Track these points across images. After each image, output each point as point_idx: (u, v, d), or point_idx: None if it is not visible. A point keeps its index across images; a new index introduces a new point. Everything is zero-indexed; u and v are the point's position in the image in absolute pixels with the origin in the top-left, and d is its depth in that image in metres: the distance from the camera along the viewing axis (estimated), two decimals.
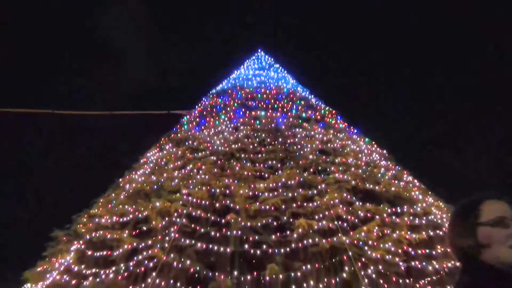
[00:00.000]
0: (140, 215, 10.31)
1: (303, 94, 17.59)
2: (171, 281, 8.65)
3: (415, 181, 12.84)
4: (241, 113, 14.78)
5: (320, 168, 11.61)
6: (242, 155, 12.11)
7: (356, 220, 9.92)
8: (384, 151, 14.24)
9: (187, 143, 13.34)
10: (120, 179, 12.94)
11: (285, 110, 15.18)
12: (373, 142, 14.88)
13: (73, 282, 9.33)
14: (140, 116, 19.03)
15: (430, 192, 12.62)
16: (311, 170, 11.42)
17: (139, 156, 14.09)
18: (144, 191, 11.36)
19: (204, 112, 16.07)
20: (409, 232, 9.87)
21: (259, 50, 22.18)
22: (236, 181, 10.83)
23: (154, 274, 8.57)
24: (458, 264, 2.20)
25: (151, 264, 8.95)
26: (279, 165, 11.70)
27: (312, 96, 17.85)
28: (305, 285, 8.54)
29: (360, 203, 10.40)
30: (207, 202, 10.30)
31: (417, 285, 9.08)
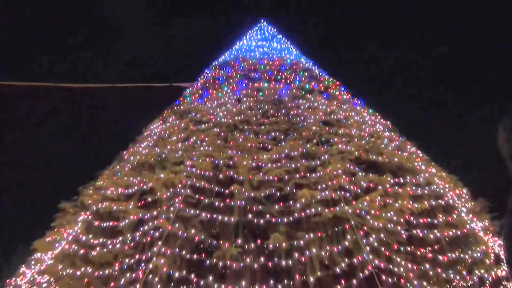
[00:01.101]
0: (144, 187, 10.45)
1: (306, 65, 17.37)
2: (177, 250, 8.84)
3: (418, 151, 12.85)
4: (244, 84, 14.66)
5: (323, 139, 11.61)
6: (245, 127, 12.11)
7: (359, 190, 10.00)
8: (388, 122, 14.18)
9: (190, 115, 13.32)
10: (124, 152, 13.02)
11: (288, 81, 15.04)
12: (377, 114, 14.80)
13: (81, 251, 9.55)
14: (143, 88, 18.96)
15: (433, 163, 12.66)
16: (314, 141, 11.43)
17: (143, 128, 14.11)
18: (148, 163, 11.46)
19: (207, 84, 15.95)
20: (411, 202, 9.98)
21: (262, 21, 21.75)
22: (239, 152, 10.88)
23: (160, 243, 8.76)
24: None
25: (157, 234, 9.14)
26: (282, 136, 11.71)
27: (316, 67, 17.63)
28: (307, 253, 8.71)
29: (363, 174, 10.47)
30: (211, 173, 10.39)
31: (418, 253, 9.24)
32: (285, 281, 8.49)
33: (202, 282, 8.50)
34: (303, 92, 14.29)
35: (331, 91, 15.15)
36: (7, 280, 10.37)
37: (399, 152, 11.90)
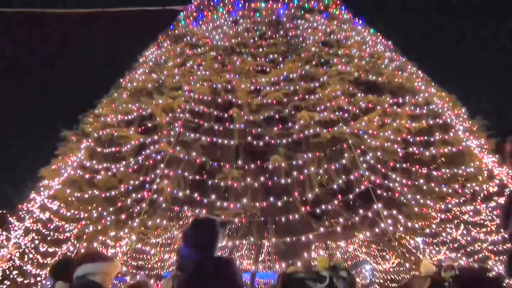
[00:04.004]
0: (144, 113, 10.47)
1: None
2: (180, 171, 9.12)
3: (419, 71, 12.65)
4: (240, 5, 14.00)
5: (322, 60, 11.39)
6: (243, 49, 11.84)
7: (358, 111, 10.04)
8: (389, 42, 13.77)
9: (185, 40, 12.92)
10: (121, 79, 12.83)
11: (286, 0, 14.32)
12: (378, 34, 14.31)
13: (87, 176, 9.82)
14: (135, 13, 18.16)
15: (433, 83, 12.52)
16: (314, 62, 11.22)
17: (138, 55, 13.75)
18: (146, 89, 11.36)
19: (201, 6, 15.20)
20: (409, 121, 10.05)
21: None
22: (237, 76, 10.74)
23: (162, 165, 8.99)
24: None
25: (158, 157, 9.35)
26: (280, 59, 11.48)
27: None
28: (306, 171, 8.98)
29: (362, 94, 10.43)
30: (209, 98, 10.37)
31: (413, 169, 9.52)
32: (285, 198, 8.88)
33: (205, 201, 8.91)
34: (302, 12, 13.70)
35: (331, 10, 14.50)
36: (19, 206, 10.76)
37: (400, 72, 11.73)
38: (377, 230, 8.65)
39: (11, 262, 9.84)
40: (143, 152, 9.61)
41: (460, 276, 4.53)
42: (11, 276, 9.72)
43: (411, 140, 9.80)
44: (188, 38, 12.95)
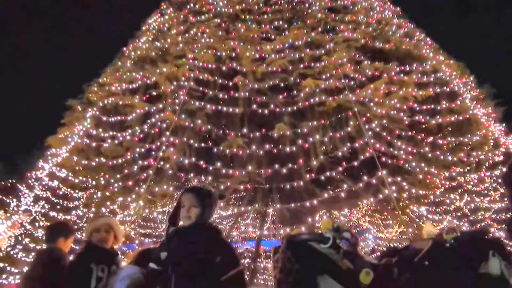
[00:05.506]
0: (148, 81, 10.43)
1: None
2: (185, 139, 9.17)
3: (428, 38, 12.38)
4: None
5: (328, 26, 11.17)
6: (247, 16, 11.60)
7: (364, 78, 9.93)
8: (398, 8, 13.41)
9: (188, 6, 12.65)
10: (124, 48, 12.69)
11: None
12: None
13: (93, 144, 9.92)
14: None
15: (441, 51, 12.28)
16: (319, 29, 11.01)
17: (140, 23, 13.53)
18: (149, 58, 11.26)
19: None
20: (415, 89, 9.94)
21: None
22: (241, 43, 10.59)
23: (167, 133, 9.04)
24: None
25: (164, 125, 9.39)
26: (285, 25, 11.27)
27: None
28: (310, 139, 9.00)
29: (368, 62, 10.28)
30: (214, 66, 10.27)
31: (419, 138, 9.49)
32: (289, 165, 8.94)
33: (210, 169, 9.00)
34: None
35: None
36: (27, 174, 10.89)
37: (407, 39, 11.50)
38: (381, 196, 8.73)
39: (23, 229, 10.08)
40: (148, 121, 9.65)
41: (461, 237, 4.59)
42: (23, 242, 9.99)
43: (417, 108, 9.73)
44: (192, 4, 12.67)
